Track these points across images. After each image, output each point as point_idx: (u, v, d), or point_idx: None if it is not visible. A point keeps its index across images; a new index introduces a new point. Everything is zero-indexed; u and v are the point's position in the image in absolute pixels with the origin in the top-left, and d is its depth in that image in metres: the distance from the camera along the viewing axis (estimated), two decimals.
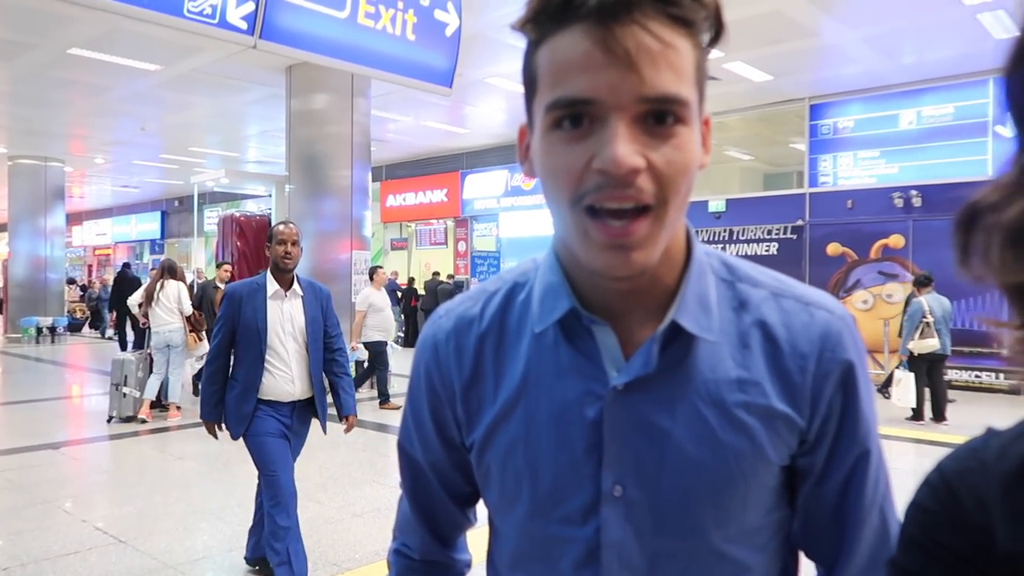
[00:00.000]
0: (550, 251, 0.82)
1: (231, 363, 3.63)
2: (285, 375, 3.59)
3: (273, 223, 10.49)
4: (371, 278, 9.06)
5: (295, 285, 3.68)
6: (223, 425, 3.65)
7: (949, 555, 0.50)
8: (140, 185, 22.87)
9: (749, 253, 11.93)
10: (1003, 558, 0.47)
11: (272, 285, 3.62)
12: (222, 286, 8.89)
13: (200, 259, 19.61)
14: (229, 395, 3.57)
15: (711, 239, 12.33)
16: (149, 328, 8.25)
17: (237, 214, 11.33)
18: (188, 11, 5.72)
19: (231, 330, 3.57)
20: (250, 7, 6.09)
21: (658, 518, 0.76)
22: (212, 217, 20.24)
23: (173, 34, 7.05)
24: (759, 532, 0.79)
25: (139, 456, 6.60)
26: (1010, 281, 0.45)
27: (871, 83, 10.93)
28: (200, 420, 3.72)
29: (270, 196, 10.87)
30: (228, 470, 6.01)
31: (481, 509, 0.95)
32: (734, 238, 12.24)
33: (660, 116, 0.66)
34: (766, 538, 0.80)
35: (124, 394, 7.92)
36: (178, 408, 8.17)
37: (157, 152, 17.50)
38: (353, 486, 5.54)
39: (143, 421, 7.82)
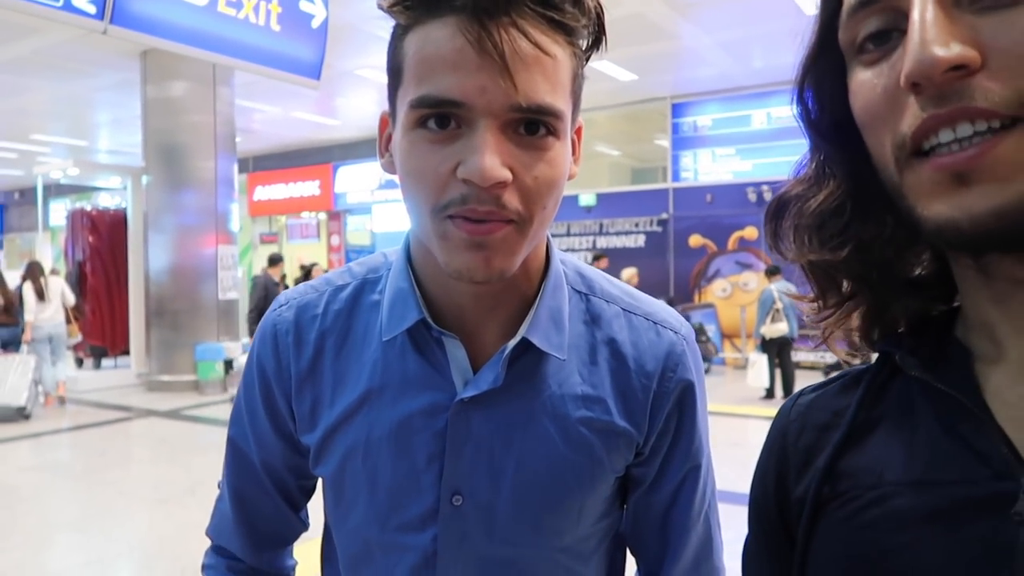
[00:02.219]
0: (402, 254, 0.79)
1: None
2: None
3: (130, 217, 9.93)
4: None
5: None
6: None
7: (761, 504, 0.60)
8: None
9: (618, 245, 12.38)
10: (795, 502, 0.55)
11: None
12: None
13: (46, 255, 18.12)
14: None
15: (582, 232, 12.70)
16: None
17: (89, 208, 10.60)
18: None
19: None
20: None
21: (495, 529, 0.76)
22: (59, 210, 18.74)
23: (8, 13, 6.50)
24: (589, 539, 0.81)
25: None
26: (812, 260, 0.54)
27: (726, 84, 11.59)
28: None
29: (125, 189, 10.23)
30: (84, 479, 5.64)
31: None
32: (604, 231, 12.66)
33: (532, 125, 0.64)
34: (595, 544, 0.82)
35: (39, 390, 8.23)
36: (62, 399, 8.49)
37: None
38: None
39: (62, 401, 8.47)
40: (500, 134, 0.63)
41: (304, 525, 0.93)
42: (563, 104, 0.65)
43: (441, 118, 0.63)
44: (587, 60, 0.70)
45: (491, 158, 0.61)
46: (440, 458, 0.75)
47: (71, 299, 8.81)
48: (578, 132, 0.74)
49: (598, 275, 0.84)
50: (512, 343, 0.73)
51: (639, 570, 0.89)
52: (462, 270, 0.66)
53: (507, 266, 0.67)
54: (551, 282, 0.77)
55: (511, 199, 0.63)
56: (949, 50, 0.39)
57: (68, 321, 8.89)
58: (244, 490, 0.88)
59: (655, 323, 0.81)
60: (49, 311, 8.39)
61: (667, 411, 0.79)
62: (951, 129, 0.41)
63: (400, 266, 0.78)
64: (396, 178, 0.70)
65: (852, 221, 0.52)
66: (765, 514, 0.59)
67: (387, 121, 0.73)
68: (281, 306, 0.83)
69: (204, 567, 0.93)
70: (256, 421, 0.84)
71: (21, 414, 7.73)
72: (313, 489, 0.91)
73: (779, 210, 0.56)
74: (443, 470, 0.75)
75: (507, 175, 0.62)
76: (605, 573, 0.86)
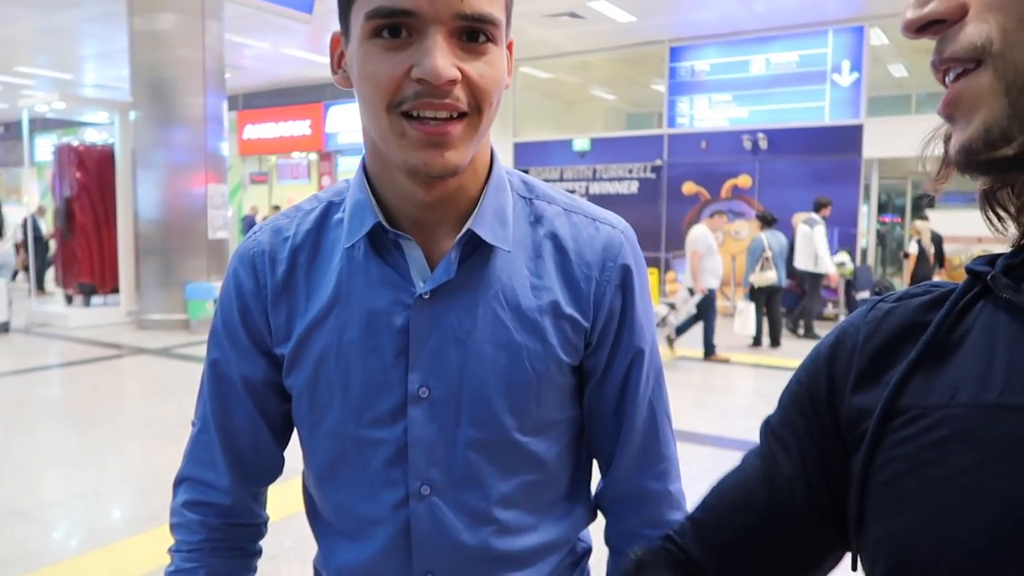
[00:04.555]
0: (359, 170, 0.85)
1: None
2: None
3: (117, 153, 9.79)
4: (711, 216, 7.88)
5: None
6: None
7: (801, 387, 0.59)
8: None
9: (611, 192, 12.32)
10: (850, 407, 0.55)
11: None
12: None
13: (33, 191, 17.86)
14: None
15: (575, 177, 12.63)
16: None
17: (76, 143, 10.43)
18: None
19: None
20: None
21: (460, 415, 0.83)
22: (46, 145, 18.43)
23: None
24: (553, 428, 0.87)
25: None
26: None
27: (726, 28, 11.39)
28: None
29: (112, 124, 10.06)
30: (77, 415, 5.70)
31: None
32: (597, 176, 12.58)
33: (473, 33, 0.71)
34: (559, 434, 0.88)
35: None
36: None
37: None
38: None
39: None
40: (448, 39, 0.71)
41: (281, 467, 0.95)
42: (499, 14, 0.73)
43: (393, 28, 0.70)
44: None
45: (442, 58, 0.69)
46: (406, 353, 0.82)
47: (20, 235, 10.41)
48: (509, 47, 0.80)
49: (541, 183, 0.92)
50: (460, 236, 0.80)
51: (601, 476, 0.93)
52: (419, 166, 0.73)
53: (460, 161, 0.74)
54: (493, 183, 0.84)
55: (461, 94, 0.72)
56: None
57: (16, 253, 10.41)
58: (227, 413, 0.90)
59: (593, 220, 0.88)
60: (4, 244, 9.74)
61: (610, 297, 0.86)
62: None
63: (358, 180, 0.85)
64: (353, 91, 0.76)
65: None
66: (804, 394, 0.59)
67: (338, 40, 0.80)
68: (256, 232, 0.90)
69: (173, 526, 0.94)
70: (236, 339, 0.88)
71: (4, 329, 8.76)
72: (291, 428, 0.94)
73: None
74: (409, 364, 0.82)
75: (456, 73, 0.70)
76: (571, 471, 0.92)
